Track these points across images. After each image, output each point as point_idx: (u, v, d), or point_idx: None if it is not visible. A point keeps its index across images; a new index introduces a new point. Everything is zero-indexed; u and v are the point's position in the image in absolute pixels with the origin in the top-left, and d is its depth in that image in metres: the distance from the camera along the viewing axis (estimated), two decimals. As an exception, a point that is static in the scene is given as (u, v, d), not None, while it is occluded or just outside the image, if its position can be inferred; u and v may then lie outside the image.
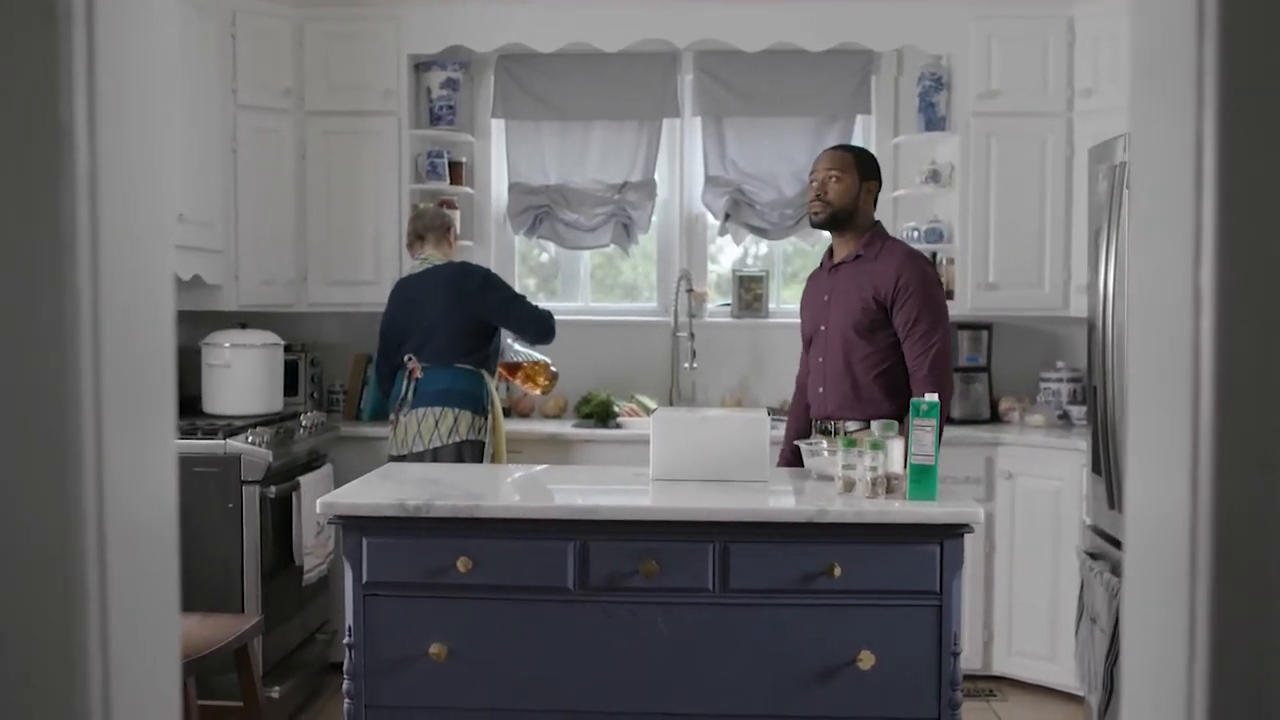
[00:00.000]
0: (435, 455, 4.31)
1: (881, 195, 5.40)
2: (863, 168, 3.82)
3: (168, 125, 1.23)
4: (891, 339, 3.68)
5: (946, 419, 3.66)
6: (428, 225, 4.66)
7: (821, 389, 3.82)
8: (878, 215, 3.90)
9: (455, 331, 4.42)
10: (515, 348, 4.74)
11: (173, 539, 1.17)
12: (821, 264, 3.98)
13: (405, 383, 4.49)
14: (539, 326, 4.53)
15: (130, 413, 1.09)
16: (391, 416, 4.53)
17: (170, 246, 1.24)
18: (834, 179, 3.78)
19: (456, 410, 4.38)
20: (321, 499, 3.04)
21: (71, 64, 1.01)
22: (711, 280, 5.76)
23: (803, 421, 3.97)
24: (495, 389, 4.56)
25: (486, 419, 4.46)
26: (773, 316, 5.63)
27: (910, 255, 3.77)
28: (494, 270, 4.76)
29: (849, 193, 3.77)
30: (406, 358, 4.49)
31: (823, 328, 3.83)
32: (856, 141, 5.52)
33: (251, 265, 5.10)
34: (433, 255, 4.59)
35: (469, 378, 4.43)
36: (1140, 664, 1.09)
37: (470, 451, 4.38)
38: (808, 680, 2.95)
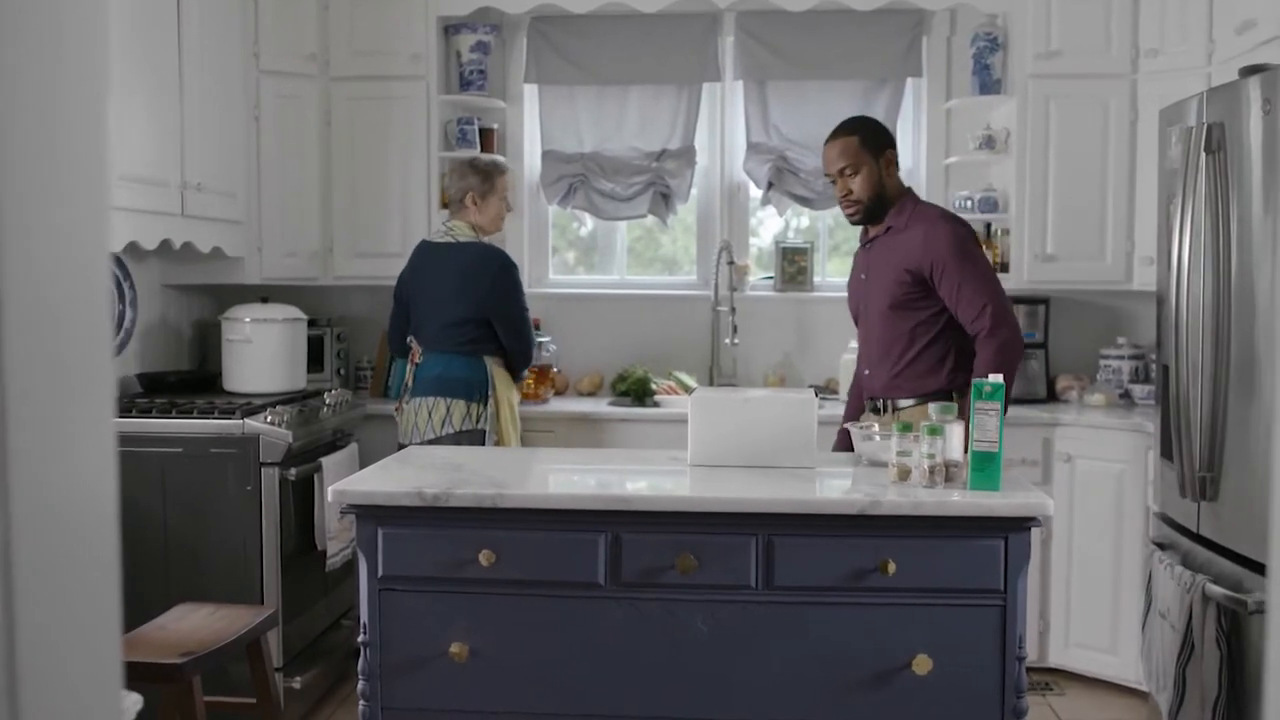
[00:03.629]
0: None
1: (933, 162, 5.27)
2: (871, 144, 3.60)
3: (107, 50, 1.02)
4: (931, 312, 3.51)
5: (1010, 387, 3.40)
6: (452, 190, 4.45)
7: (868, 370, 3.69)
8: (907, 181, 3.72)
9: (459, 320, 4.21)
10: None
11: (110, 540, 0.99)
12: (860, 241, 3.82)
13: (408, 368, 4.35)
14: (521, 348, 4.29)
15: (46, 389, 0.91)
16: (396, 404, 4.39)
17: (105, 200, 1.03)
18: (850, 174, 3.60)
19: (449, 400, 4.17)
20: (334, 486, 2.83)
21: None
22: (753, 253, 5.53)
23: (860, 402, 3.79)
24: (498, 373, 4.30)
25: (486, 406, 4.21)
26: (817, 290, 5.40)
27: (938, 218, 3.57)
28: (519, 260, 4.52)
29: (872, 181, 3.58)
30: (409, 340, 4.36)
31: (864, 307, 3.70)
32: (906, 107, 5.30)
33: (275, 237, 4.93)
34: (457, 227, 4.36)
35: (466, 363, 4.22)
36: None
37: (468, 442, 4.14)
38: (858, 686, 2.72)
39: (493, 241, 4.45)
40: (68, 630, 0.93)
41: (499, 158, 4.55)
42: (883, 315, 3.58)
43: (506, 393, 4.29)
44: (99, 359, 0.98)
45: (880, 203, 3.60)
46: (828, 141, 3.67)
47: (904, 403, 3.54)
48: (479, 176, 4.33)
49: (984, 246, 5.11)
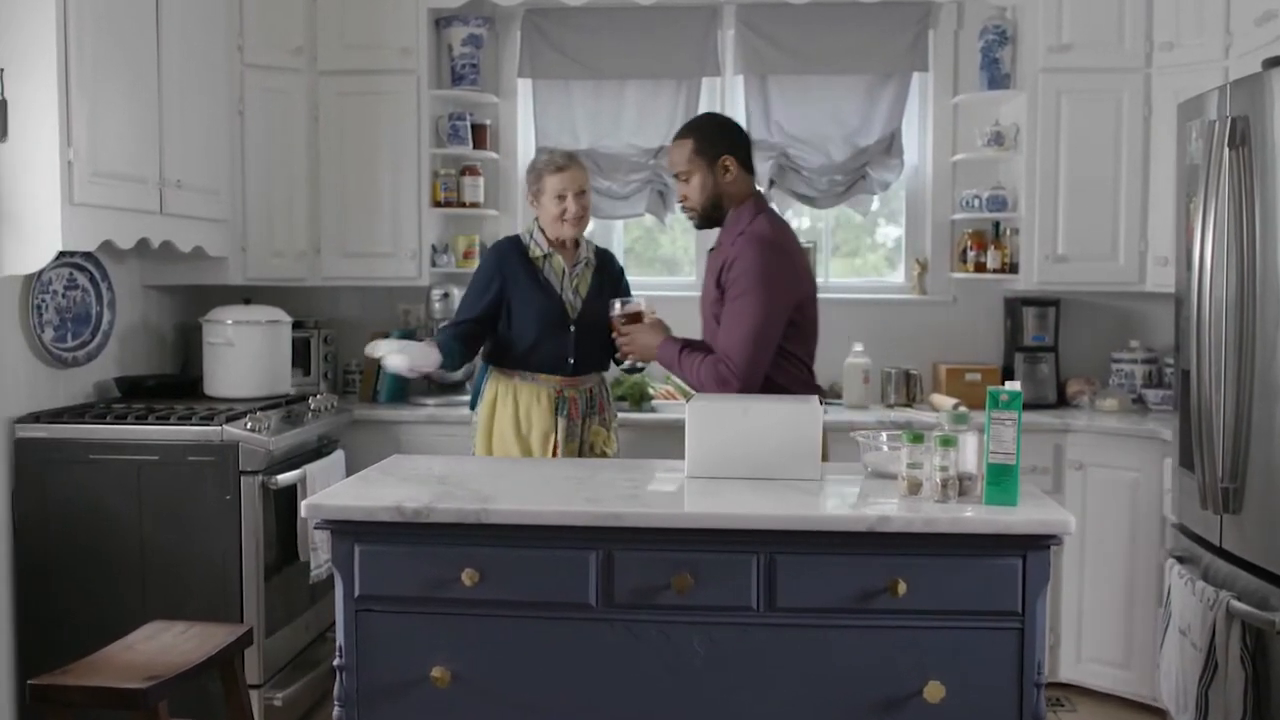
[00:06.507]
0: None
1: (940, 159, 5.12)
2: (706, 149, 3.50)
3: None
4: None
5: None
6: None
7: None
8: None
9: None
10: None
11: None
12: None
13: None
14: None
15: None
16: None
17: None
18: (683, 180, 3.54)
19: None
20: (306, 501, 2.67)
21: None
22: (754, 252, 5.37)
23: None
24: (492, 381, 3.95)
25: (477, 413, 3.97)
26: (820, 292, 5.20)
27: (750, 239, 3.41)
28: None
29: (705, 188, 3.52)
30: None
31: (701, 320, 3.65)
32: (912, 102, 5.16)
33: (260, 236, 4.80)
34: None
35: (480, 366, 4.06)
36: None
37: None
38: (866, 714, 2.56)
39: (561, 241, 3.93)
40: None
41: (567, 151, 4.04)
42: (708, 326, 3.53)
43: (500, 406, 3.88)
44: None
45: (717, 208, 3.54)
46: (671, 145, 3.63)
47: None
48: (531, 176, 3.91)
49: (991, 247, 4.98)
